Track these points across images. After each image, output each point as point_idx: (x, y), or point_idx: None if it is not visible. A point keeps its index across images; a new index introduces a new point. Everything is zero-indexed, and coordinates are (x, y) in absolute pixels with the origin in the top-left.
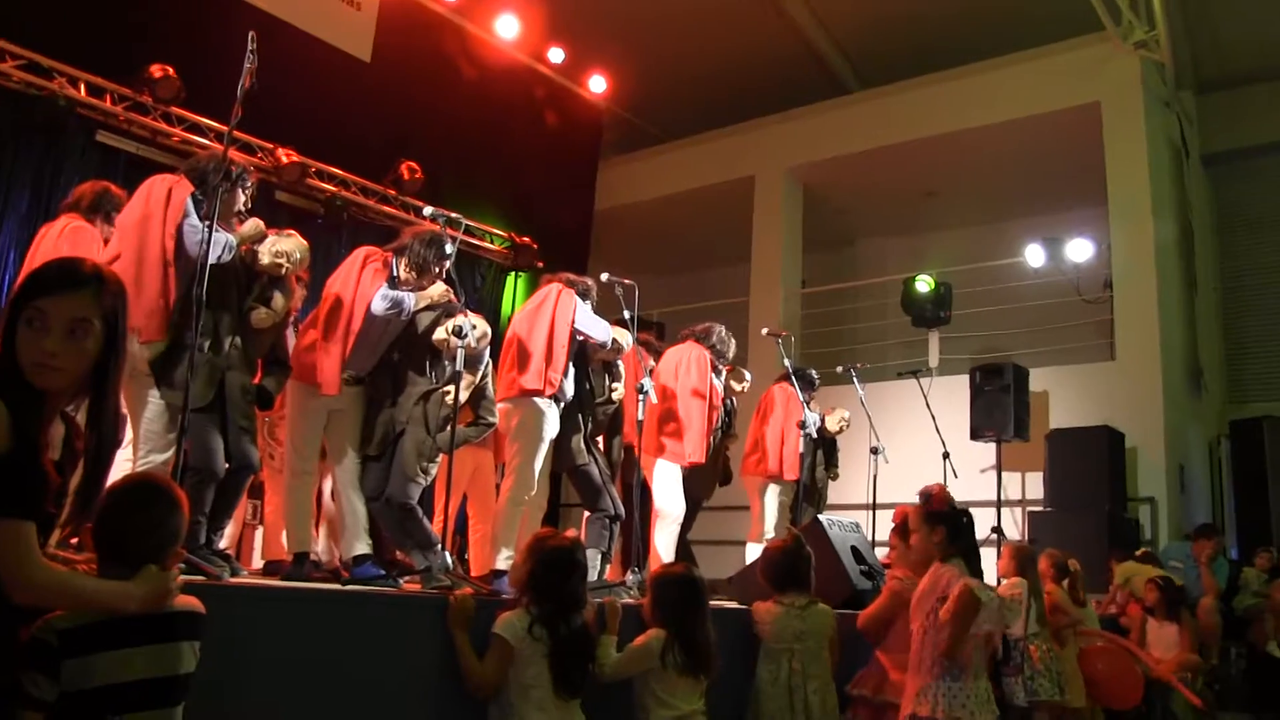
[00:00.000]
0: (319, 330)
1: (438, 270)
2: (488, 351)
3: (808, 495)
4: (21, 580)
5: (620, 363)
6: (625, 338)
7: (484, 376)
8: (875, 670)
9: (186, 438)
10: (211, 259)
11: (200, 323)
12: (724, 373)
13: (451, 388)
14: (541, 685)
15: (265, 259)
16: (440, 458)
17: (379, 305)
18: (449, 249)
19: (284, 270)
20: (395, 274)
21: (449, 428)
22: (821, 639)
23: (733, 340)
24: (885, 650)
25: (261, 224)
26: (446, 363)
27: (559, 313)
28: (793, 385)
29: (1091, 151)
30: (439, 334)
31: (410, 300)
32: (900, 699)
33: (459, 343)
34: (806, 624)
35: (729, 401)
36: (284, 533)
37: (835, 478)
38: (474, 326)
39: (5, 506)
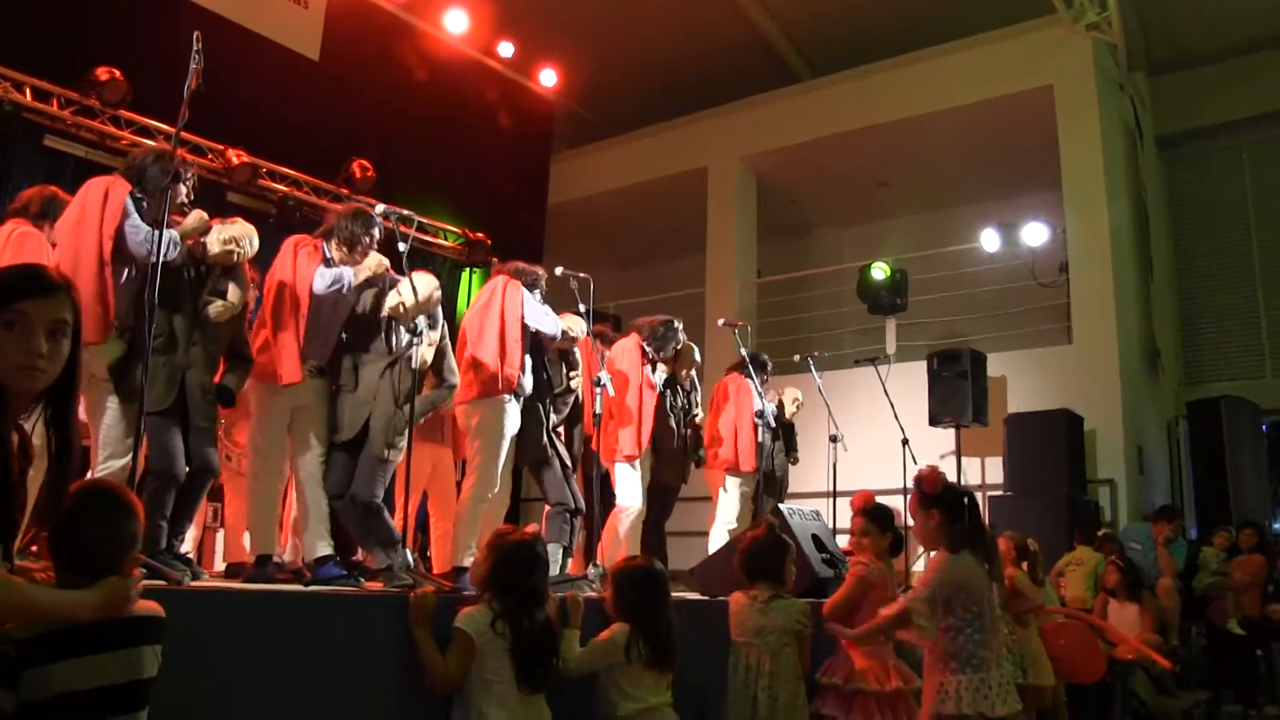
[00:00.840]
0: (269, 323)
1: (368, 242)
2: (440, 310)
3: (769, 484)
4: None
5: (576, 350)
6: (578, 325)
7: (443, 337)
8: (843, 658)
9: (147, 441)
10: (153, 259)
11: (154, 324)
12: (659, 362)
13: (412, 354)
14: (504, 680)
15: (215, 248)
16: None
17: (319, 284)
18: (377, 223)
19: (236, 257)
20: (328, 255)
21: (410, 411)
22: (785, 635)
23: (673, 332)
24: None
25: (205, 215)
26: (402, 329)
27: (507, 308)
28: (743, 374)
29: (1045, 135)
30: (391, 300)
31: (349, 274)
32: (867, 685)
33: (419, 341)
34: (766, 619)
35: (689, 379)
36: (245, 535)
37: (795, 462)
38: (427, 307)
39: None
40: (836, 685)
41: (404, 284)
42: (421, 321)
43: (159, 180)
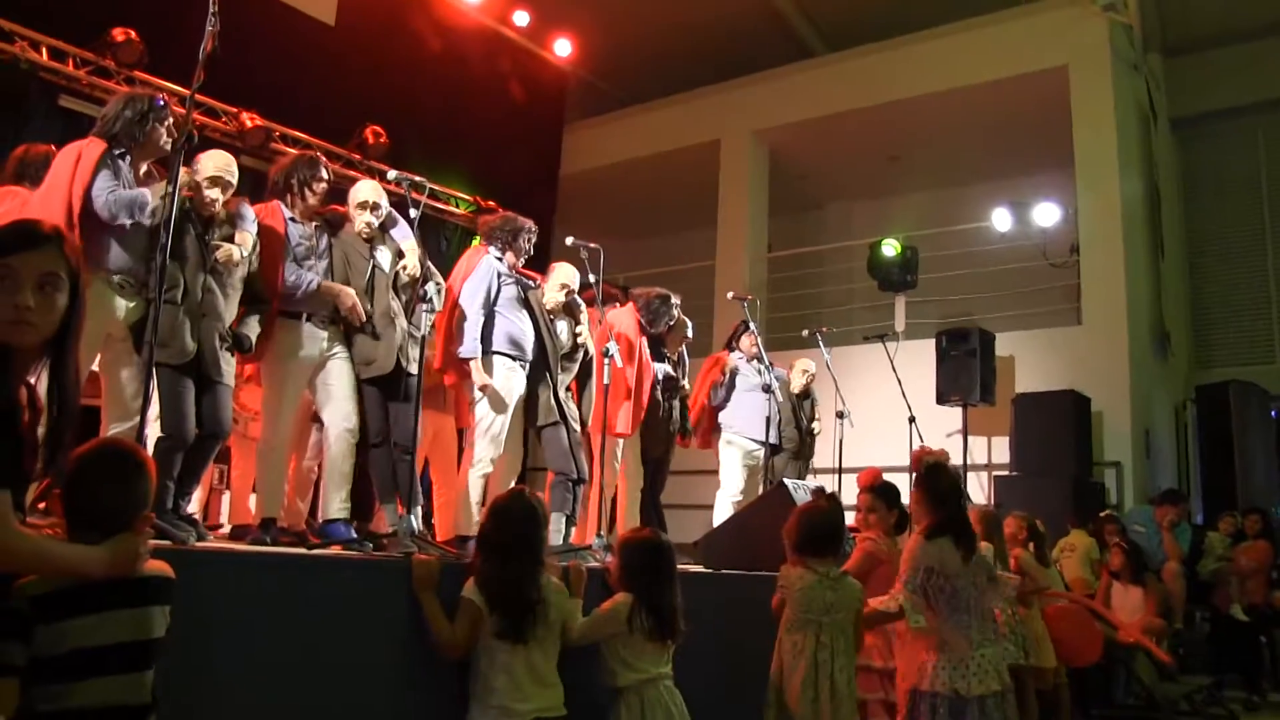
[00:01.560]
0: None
1: (318, 187)
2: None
3: (795, 454)
4: None
5: (580, 301)
6: (573, 277)
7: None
8: None
9: (160, 399)
10: (125, 222)
11: (166, 279)
12: (653, 336)
13: (404, 261)
14: (509, 647)
15: (207, 177)
16: None
17: (286, 288)
18: (322, 164)
19: (227, 179)
20: (288, 216)
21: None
22: (851, 613)
23: (668, 307)
24: None
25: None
26: (385, 249)
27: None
28: (728, 349)
29: (1059, 115)
30: (360, 221)
31: (314, 280)
32: (871, 661)
33: (426, 307)
34: (837, 595)
35: (677, 354)
36: (251, 497)
37: (810, 434)
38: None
39: None
40: None
41: (356, 190)
42: (430, 288)
43: (133, 126)
